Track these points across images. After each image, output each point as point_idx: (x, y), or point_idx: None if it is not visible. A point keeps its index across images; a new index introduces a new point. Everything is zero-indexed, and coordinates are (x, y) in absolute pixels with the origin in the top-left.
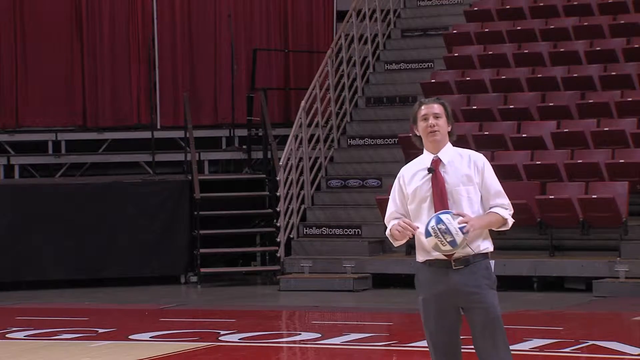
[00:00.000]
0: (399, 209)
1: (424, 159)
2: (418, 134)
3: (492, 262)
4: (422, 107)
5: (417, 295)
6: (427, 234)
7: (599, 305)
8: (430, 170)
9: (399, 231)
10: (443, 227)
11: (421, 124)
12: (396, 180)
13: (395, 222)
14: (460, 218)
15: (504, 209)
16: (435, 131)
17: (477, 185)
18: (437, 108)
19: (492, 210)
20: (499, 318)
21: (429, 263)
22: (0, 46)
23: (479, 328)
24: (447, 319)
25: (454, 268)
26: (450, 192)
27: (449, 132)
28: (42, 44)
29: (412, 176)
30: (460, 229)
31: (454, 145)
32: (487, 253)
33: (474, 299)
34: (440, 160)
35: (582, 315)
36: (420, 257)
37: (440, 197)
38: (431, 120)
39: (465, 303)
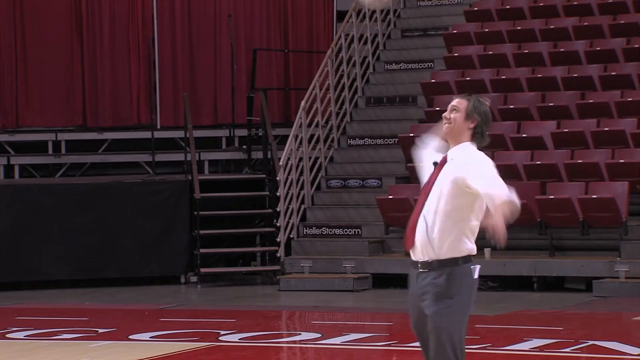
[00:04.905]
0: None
1: (445, 149)
2: None
3: (477, 268)
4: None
5: None
6: None
7: (599, 305)
8: (434, 164)
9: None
10: None
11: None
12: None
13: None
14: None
15: None
16: (446, 123)
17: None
18: (457, 102)
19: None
20: (442, 329)
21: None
22: (0, 46)
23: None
24: (416, 318)
25: (419, 270)
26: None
27: (474, 131)
28: (42, 44)
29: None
30: None
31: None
32: (455, 259)
33: (424, 305)
34: (446, 160)
35: (582, 315)
36: None
37: (424, 193)
38: (446, 113)
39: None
